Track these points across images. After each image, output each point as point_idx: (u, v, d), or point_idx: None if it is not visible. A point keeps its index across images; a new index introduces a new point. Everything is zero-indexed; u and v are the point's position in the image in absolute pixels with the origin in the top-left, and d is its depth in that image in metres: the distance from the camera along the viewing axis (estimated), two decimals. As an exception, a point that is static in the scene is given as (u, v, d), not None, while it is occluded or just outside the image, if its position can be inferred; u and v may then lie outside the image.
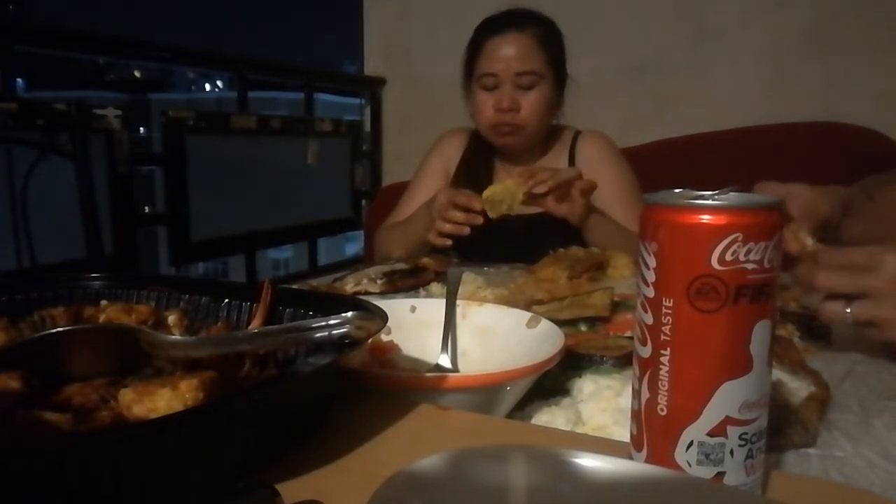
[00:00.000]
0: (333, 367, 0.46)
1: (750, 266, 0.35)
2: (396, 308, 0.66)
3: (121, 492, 0.32)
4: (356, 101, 2.67)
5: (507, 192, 1.23)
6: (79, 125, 1.48)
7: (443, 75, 1.70)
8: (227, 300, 0.58)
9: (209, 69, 3.59)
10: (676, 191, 0.40)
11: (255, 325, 0.54)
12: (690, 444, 0.37)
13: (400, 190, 1.67)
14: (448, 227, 1.26)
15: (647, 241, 0.38)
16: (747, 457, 0.37)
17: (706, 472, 0.37)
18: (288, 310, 0.55)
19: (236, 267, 3.09)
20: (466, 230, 1.25)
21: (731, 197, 0.38)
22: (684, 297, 0.36)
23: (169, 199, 1.84)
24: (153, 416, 0.39)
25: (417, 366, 0.65)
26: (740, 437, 0.37)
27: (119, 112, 1.59)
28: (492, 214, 1.23)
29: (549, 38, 1.42)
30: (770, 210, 0.37)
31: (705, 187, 0.39)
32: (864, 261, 0.64)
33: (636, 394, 0.40)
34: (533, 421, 0.56)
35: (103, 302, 0.57)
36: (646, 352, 0.39)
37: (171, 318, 0.55)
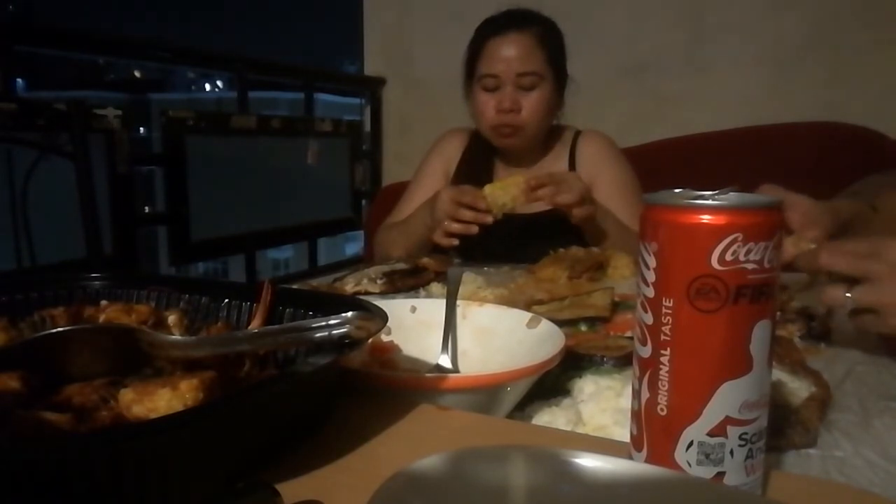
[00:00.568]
0: (333, 367, 0.46)
1: (750, 266, 0.35)
2: (396, 308, 0.66)
3: (121, 492, 0.32)
4: (356, 101, 2.67)
5: (507, 189, 1.23)
6: (79, 125, 1.48)
7: (443, 75, 1.70)
8: (227, 300, 0.58)
9: (209, 69, 3.59)
10: (676, 191, 0.40)
11: (255, 325, 0.54)
12: (690, 444, 0.37)
13: (400, 190, 1.67)
14: (456, 227, 1.26)
15: (647, 241, 0.38)
16: (747, 457, 0.37)
17: (706, 472, 0.37)
18: (288, 310, 0.55)
19: (236, 267, 3.09)
20: (475, 229, 1.25)
21: (731, 197, 0.38)
22: (684, 297, 0.36)
23: (169, 199, 1.83)
24: (153, 416, 0.39)
25: (418, 366, 0.65)
26: (740, 437, 0.37)
27: (119, 112, 1.59)
28: (493, 211, 1.23)
29: (549, 38, 1.42)
30: (770, 210, 0.37)
31: (705, 187, 0.39)
32: (868, 249, 0.65)
33: (636, 394, 0.40)
34: (533, 421, 0.56)
35: (103, 302, 0.57)
36: (646, 352, 0.39)
37: (171, 318, 0.55)
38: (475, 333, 0.67)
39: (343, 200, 2.49)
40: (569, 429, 0.53)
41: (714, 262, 0.35)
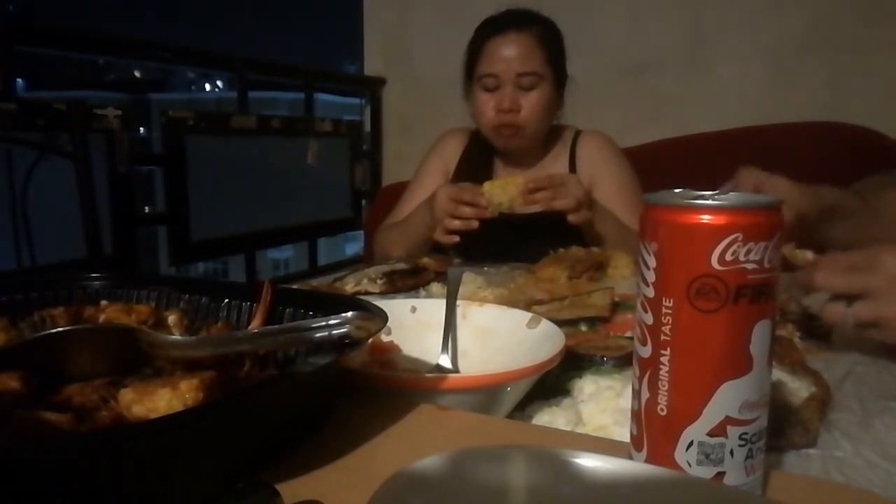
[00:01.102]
0: (333, 367, 0.46)
1: (750, 266, 0.35)
2: (396, 308, 0.66)
3: (121, 492, 0.32)
4: (356, 101, 2.67)
5: (505, 189, 1.23)
6: (79, 125, 1.48)
7: (443, 75, 1.70)
8: (227, 300, 0.58)
9: (209, 69, 3.58)
10: (676, 191, 0.40)
11: (255, 325, 0.54)
12: (690, 444, 0.37)
13: (400, 190, 1.67)
14: (457, 224, 1.26)
15: (647, 241, 0.38)
16: (747, 457, 0.37)
17: (706, 472, 0.37)
18: (288, 310, 0.55)
19: (236, 267, 3.09)
20: (475, 224, 1.25)
21: (731, 197, 0.38)
22: (684, 297, 0.36)
23: (169, 199, 1.83)
24: (153, 416, 0.39)
25: (418, 366, 0.65)
26: (740, 437, 0.37)
27: (119, 112, 1.59)
28: (490, 209, 1.23)
29: (549, 38, 1.42)
30: (770, 210, 0.37)
31: (705, 187, 0.39)
32: (863, 262, 0.64)
33: (636, 394, 0.40)
34: (533, 421, 0.56)
35: (103, 302, 0.57)
36: (646, 352, 0.39)
37: (171, 318, 0.55)
38: (475, 333, 0.67)
39: (343, 200, 2.49)
40: (569, 429, 0.53)
41: (714, 262, 0.35)
